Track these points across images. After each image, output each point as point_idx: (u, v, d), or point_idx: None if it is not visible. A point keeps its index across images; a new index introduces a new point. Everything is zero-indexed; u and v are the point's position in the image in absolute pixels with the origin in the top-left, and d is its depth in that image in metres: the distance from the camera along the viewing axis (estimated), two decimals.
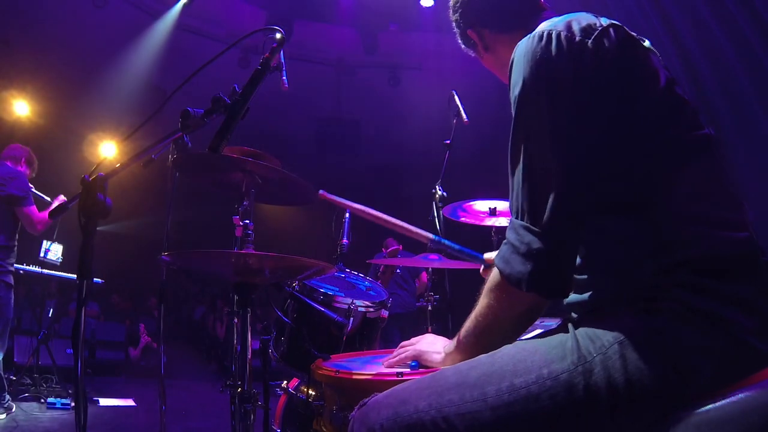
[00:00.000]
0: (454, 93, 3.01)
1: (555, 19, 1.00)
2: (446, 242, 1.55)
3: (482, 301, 1.02)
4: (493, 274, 0.99)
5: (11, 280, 3.64)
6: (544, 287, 0.92)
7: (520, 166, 0.94)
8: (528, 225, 0.92)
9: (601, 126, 0.91)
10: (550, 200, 0.90)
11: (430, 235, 1.52)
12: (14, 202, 3.63)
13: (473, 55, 1.33)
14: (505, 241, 0.97)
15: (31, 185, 3.89)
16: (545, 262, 0.90)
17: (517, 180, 0.95)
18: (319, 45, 8.76)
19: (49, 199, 4.02)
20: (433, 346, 1.23)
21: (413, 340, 1.31)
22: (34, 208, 3.73)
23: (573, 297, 1.01)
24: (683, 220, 0.90)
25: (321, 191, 1.61)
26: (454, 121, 2.98)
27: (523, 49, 0.97)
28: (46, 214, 3.76)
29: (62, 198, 3.97)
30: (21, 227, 3.74)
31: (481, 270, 1.59)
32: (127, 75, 7.72)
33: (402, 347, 1.31)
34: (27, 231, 3.76)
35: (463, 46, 1.34)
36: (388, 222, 1.52)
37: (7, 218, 3.65)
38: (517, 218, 0.95)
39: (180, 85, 1.38)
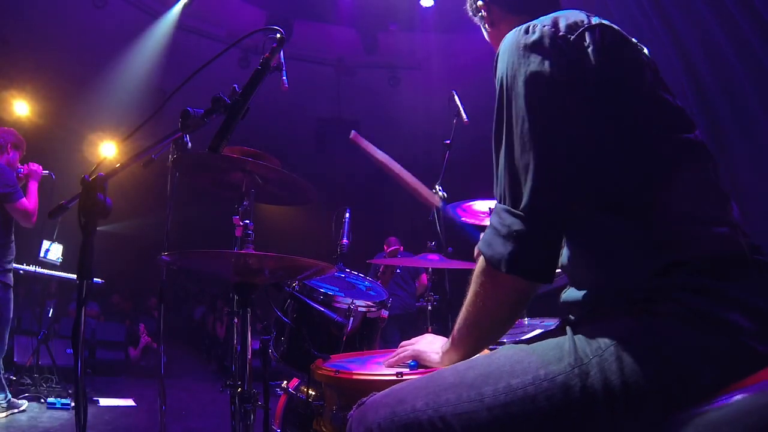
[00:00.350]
0: (454, 93, 3.01)
1: (547, 16, 1.02)
2: (451, 212, 1.58)
3: (470, 290, 1.03)
4: (480, 261, 1.00)
5: (10, 280, 3.54)
6: (525, 269, 0.92)
7: (502, 152, 0.97)
8: (509, 208, 0.93)
9: (581, 119, 0.93)
10: (529, 184, 0.91)
11: (439, 202, 1.54)
12: (2, 199, 3.45)
13: (477, 23, 1.34)
14: (488, 224, 0.98)
15: (21, 167, 3.72)
16: (525, 244, 0.91)
17: (500, 166, 0.97)
18: (319, 45, 8.75)
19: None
20: (431, 345, 1.24)
21: (413, 340, 1.32)
22: (24, 200, 3.51)
23: (571, 297, 1.01)
24: (680, 220, 0.90)
25: (353, 133, 1.57)
26: (454, 121, 2.97)
27: (508, 40, 1.00)
28: (34, 201, 3.59)
29: (37, 166, 3.77)
30: (15, 223, 3.58)
31: (475, 252, 1.60)
32: (127, 75, 7.72)
33: (402, 347, 1.31)
34: (22, 226, 3.57)
35: (469, 13, 1.35)
36: (403, 180, 1.53)
37: None
38: (500, 203, 0.97)
39: (180, 85, 1.39)
